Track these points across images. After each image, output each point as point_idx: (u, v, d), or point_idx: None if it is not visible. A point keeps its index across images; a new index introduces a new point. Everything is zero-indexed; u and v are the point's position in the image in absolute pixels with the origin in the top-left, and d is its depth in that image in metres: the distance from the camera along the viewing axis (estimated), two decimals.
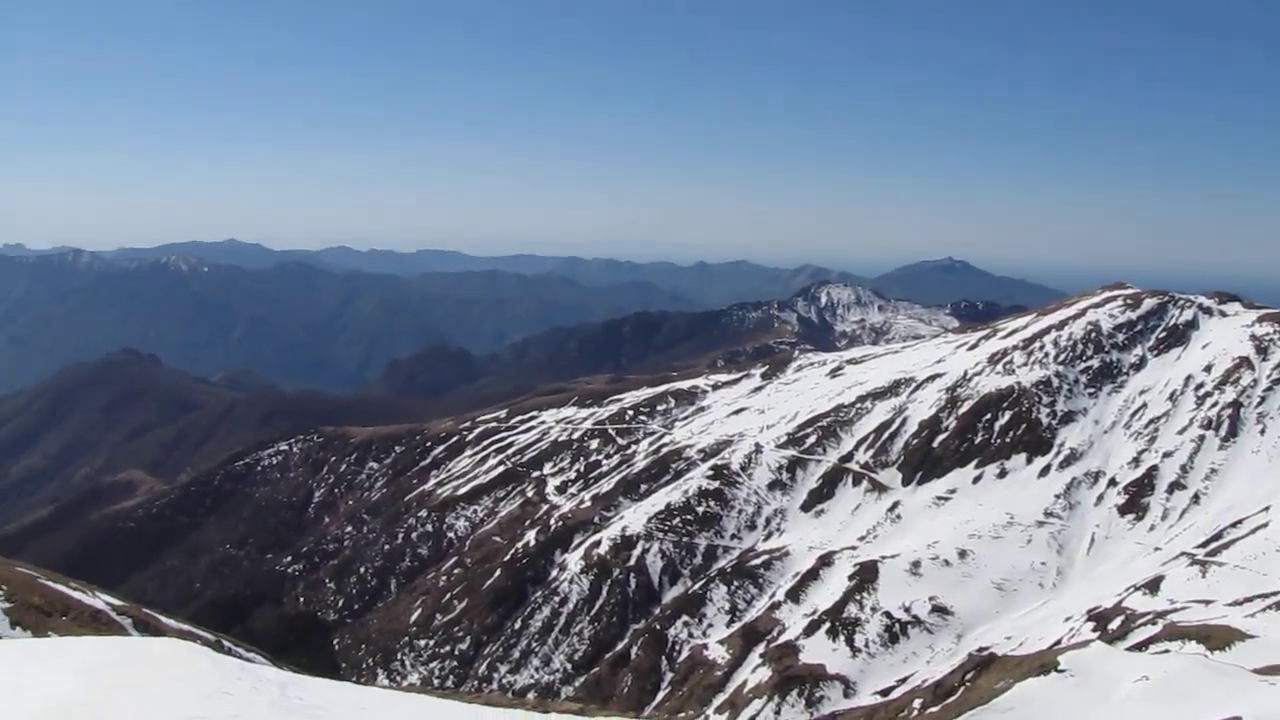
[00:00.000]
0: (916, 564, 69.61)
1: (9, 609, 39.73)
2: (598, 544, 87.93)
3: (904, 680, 58.34)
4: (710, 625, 73.08)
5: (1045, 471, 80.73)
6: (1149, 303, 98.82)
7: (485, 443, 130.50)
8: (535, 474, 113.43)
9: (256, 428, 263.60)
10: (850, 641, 63.29)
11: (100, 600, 47.79)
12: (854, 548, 76.96)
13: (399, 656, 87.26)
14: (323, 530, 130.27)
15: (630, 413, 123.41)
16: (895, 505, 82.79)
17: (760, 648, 66.97)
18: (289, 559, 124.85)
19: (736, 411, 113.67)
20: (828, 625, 64.92)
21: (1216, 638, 37.15)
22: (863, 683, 59.97)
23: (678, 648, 71.71)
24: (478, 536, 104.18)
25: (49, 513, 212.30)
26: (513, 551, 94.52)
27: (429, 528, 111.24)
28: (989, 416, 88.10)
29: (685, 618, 74.45)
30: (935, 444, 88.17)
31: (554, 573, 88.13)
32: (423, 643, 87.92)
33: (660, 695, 68.24)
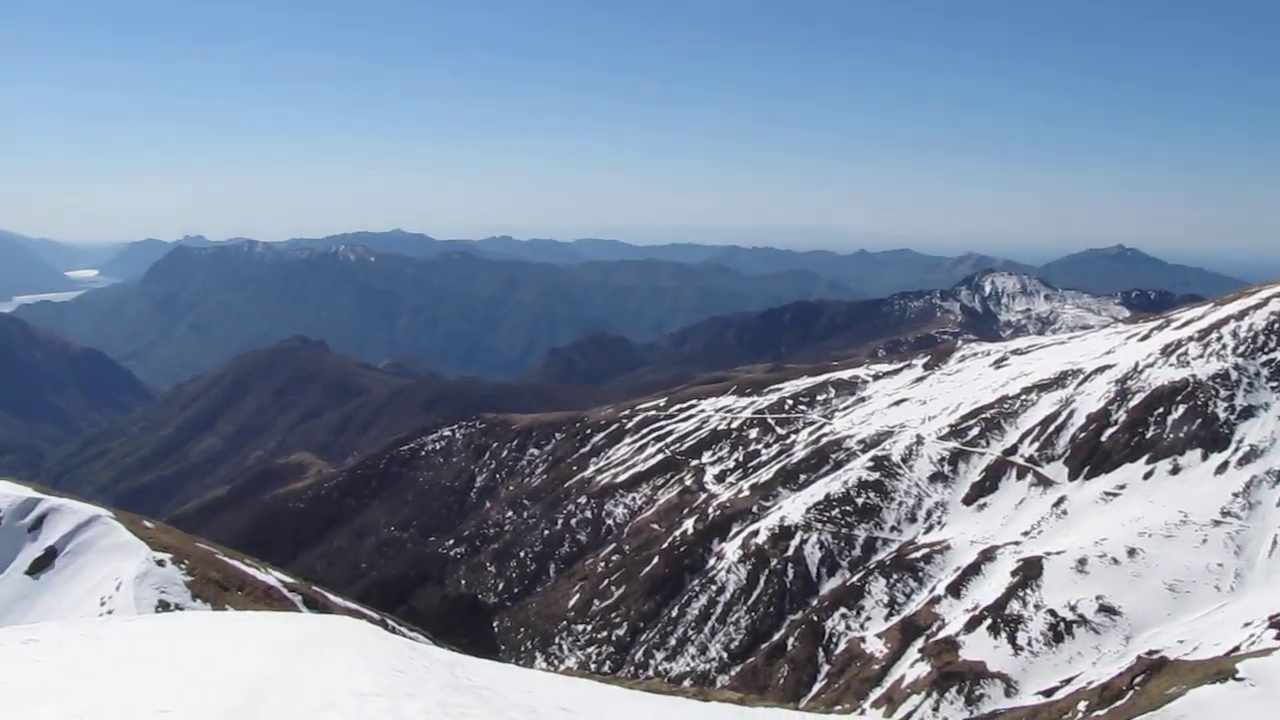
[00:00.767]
0: (1083, 561, 67.58)
1: (190, 582, 41.67)
2: (756, 533, 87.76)
3: (1068, 681, 56.80)
4: (868, 618, 72.27)
5: (1222, 469, 77.33)
6: None
7: (644, 431, 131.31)
8: (694, 462, 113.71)
9: (420, 413, 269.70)
10: (1012, 639, 61.86)
11: (272, 577, 49.77)
12: (1017, 543, 75.11)
13: (557, 640, 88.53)
14: (484, 514, 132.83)
15: (789, 402, 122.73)
16: (1061, 500, 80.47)
17: (919, 642, 65.95)
18: (451, 542, 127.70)
19: (897, 402, 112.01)
20: (989, 622, 63.56)
21: None
22: (1025, 682, 58.56)
23: (835, 640, 71.12)
24: (636, 524, 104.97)
25: (225, 492, 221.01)
26: (671, 539, 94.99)
27: (588, 514, 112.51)
28: (1161, 410, 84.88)
29: (843, 610, 73.78)
30: (1104, 438, 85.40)
31: (711, 561, 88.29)
32: (580, 628, 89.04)
33: (816, 687, 67.81)
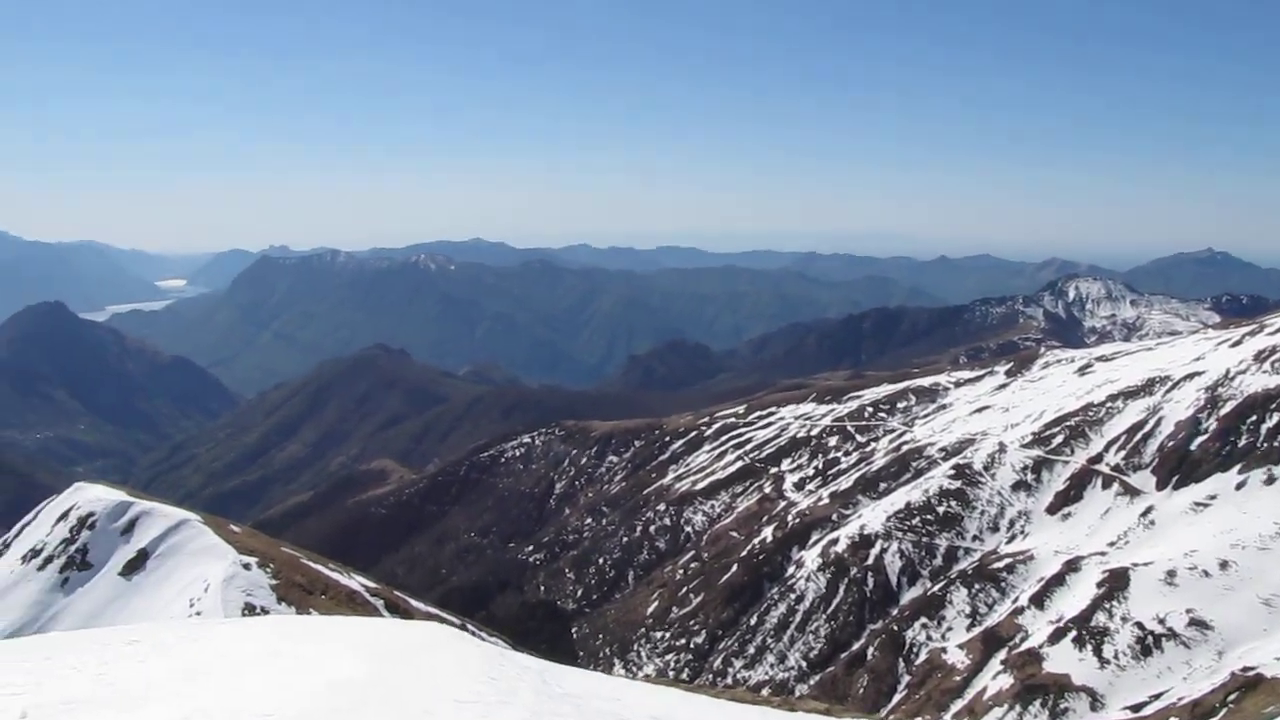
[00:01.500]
0: (1172, 573, 66.03)
1: (275, 586, 42.30)
2: (835, 542, 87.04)
3: (1157, 696, 55.50)
4: (949, 628, 71.28)
5: None
6: None
7: (723, 438, 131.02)
8: (773, 470, 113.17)
9: (500, 420, 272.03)
10: (1098, 652, 60.60)
11: (355, 581, 50.32)
12: (1103, 554, 73.61)
13: (635, 648, 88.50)
14: (563, 521, 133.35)
15: (869, 410, 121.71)
16: (1148, 510, 78.74)
17: (1001, 654, 64.89)
18: (530, 548, 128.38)
19: (979, 409, 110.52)
20: (1074, 634, 62.34)
21: None
22: (1111, 696, 57.32)
23: (915, 650, 70.23)
24: (715, 531, 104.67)
25: (308, 498, 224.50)
26: (750, 547, 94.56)
27: (667, 521, 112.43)
28: (1255, 418, 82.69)
29: (923, 619, 72.85)
30: (1193, 446, 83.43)
31: (791, 569, 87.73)
32: (659, 635, 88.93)
33: (896, 698, 67.03)
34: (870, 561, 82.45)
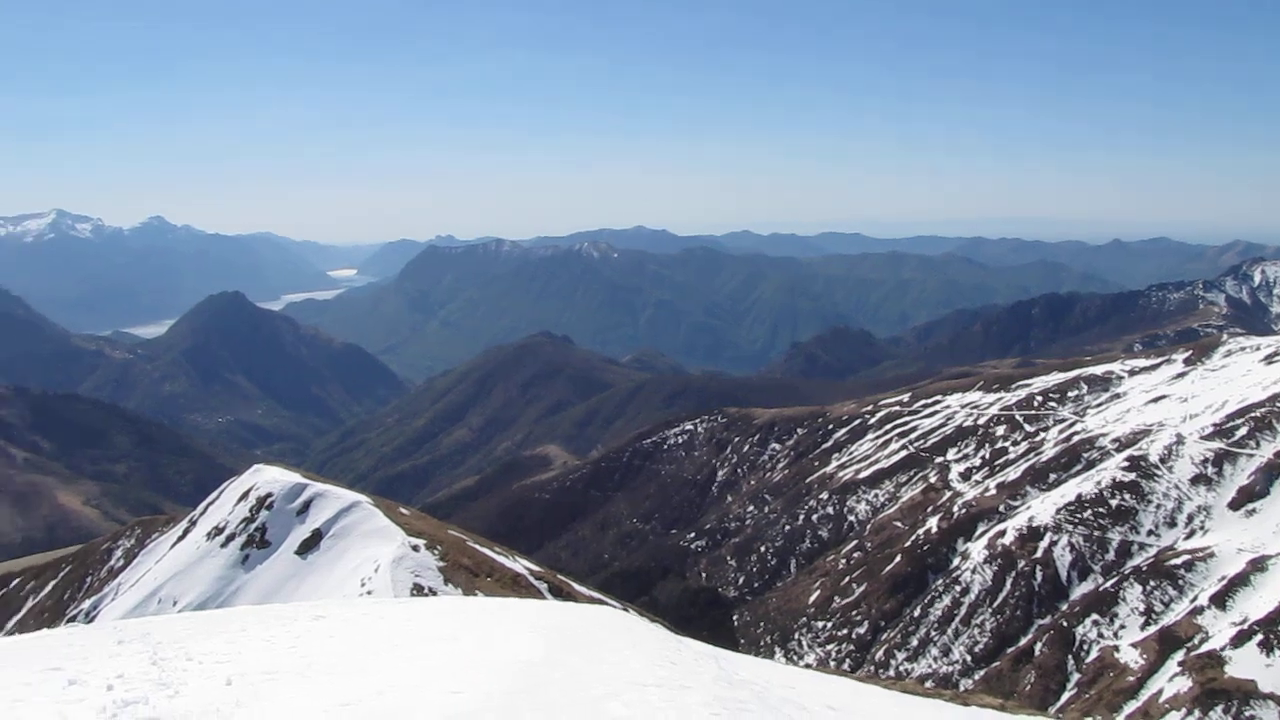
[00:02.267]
0: None
1: (442, 567, 43.19)
2: (1002, 534, 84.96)
3: None
4: (1122, 626, 68.82)
5: None
6: None
7: (887, 427, 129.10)
8: (938, 459, 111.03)
9: (663, 407, 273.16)
10: None
11: (519, 564, 51.03)
12: None
13: (796, 636, 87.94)
14: (725, 508, 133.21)
15: (1039, 398, 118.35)
16: None
17: (1179, 655, 62.37)
18: (692, 535, 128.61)
19: (1155, 399, 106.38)
20: (1260, 637, 59.50)
21: None
22: None
23: (1085, 647, 68.03)
24: (878, 521, 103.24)
25: (474, 482, 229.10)
26: (914, 537, 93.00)
27: (829, 510, 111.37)
28: None
29: (1095, 616, 70.50)
30: None
31: (955, 561, 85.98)
32: (820, 624, 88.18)
33: (1065, 696, 65.05)
34: (1039, 555, 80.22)
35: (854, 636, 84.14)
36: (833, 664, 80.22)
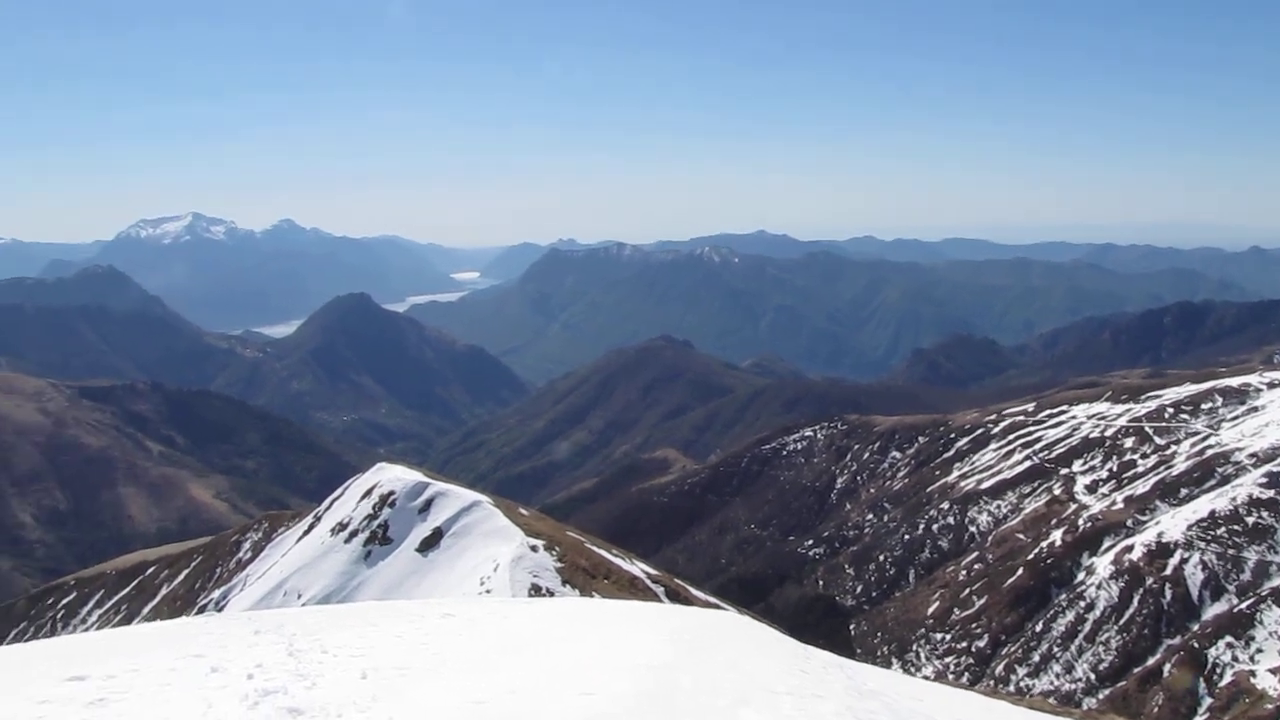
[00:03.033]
0: None
1: (560, 568, 43.44)
2: (1129, 549, 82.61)
3: None
4: (1259, 650, 66.32)
5: None
6: None
7: (1011, 436, 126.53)
8: (1063, 471, 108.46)
9: (782, 413, 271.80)
10: None
11: (636, 567, 51.13)
12: None
13: (914, 648, 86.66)
14: (843, 516, 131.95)
15: (1170, 410, 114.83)
16: None
17: None
18: (810, 542, 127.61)
19: None
20: None
21: None
22: None
23: (1219, 671, 65.72)
24: (1000, 532, 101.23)
25: (593, 484, 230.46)
26: (1037, 550, 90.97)
27: (950, 520, 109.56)
28: None
29: (1228, 639, 68.06)
30: None
31: (1080, 576, 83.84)
32: (939, 636, 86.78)
33: None
34: (1168, 572, 77.81)
35: (973, 650, 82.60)
36: (951, 677, 78.87)
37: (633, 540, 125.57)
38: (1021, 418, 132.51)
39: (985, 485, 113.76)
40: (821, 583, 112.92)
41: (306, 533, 62.16)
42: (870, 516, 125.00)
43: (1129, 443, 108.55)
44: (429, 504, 53.11)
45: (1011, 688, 73.26)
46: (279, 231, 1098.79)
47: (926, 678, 74.28)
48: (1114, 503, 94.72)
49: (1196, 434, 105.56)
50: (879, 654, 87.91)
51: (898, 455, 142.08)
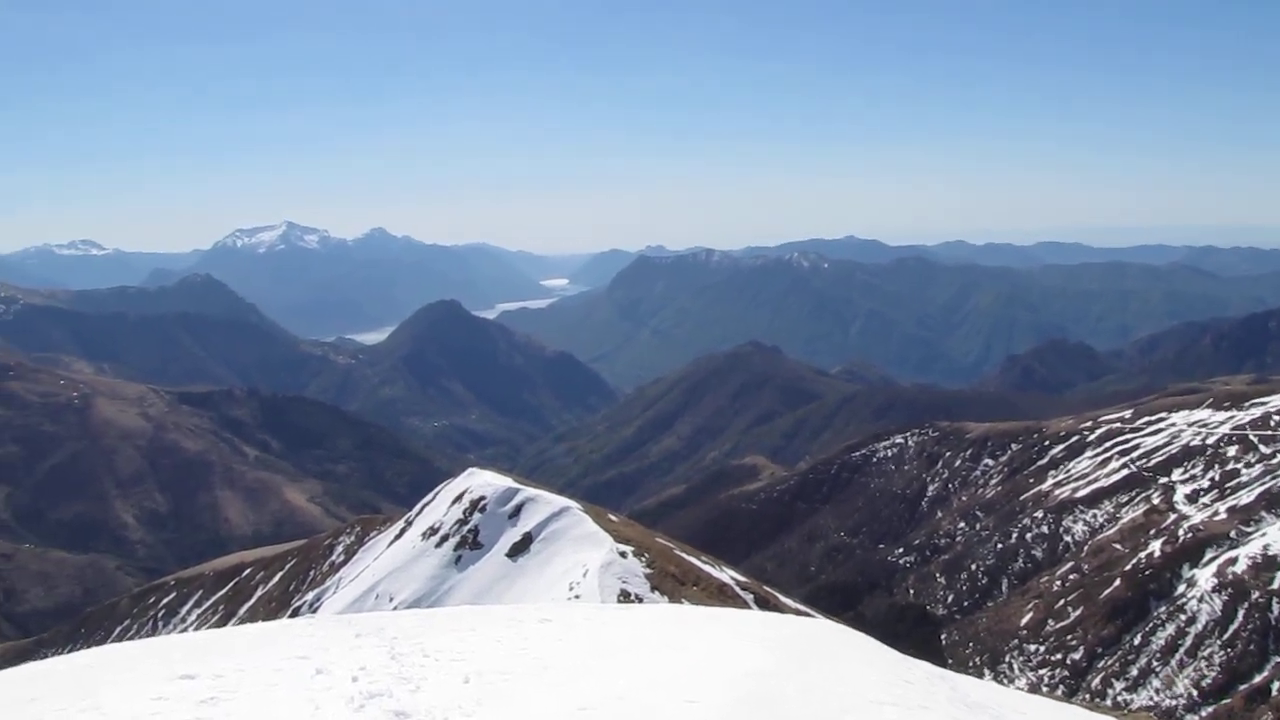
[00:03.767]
0: None
1: (649, 574, 43.22)
2: (1233, 561, 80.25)
3: None
4: None
5: None
6: None
7: (1107, 444, 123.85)
8: (1162, 480, 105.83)
9: (872, 419, 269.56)
10: None
11: (725, 574, 50.81)
12: None
13: (1007, 659, 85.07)
14: (935, 524, 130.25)
15: (1276, 418, 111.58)
16: None
17: None
18: (900, 550, 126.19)
19: None
20: None
21: None
22: None
23: None
24: (1096, 542, 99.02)
25: (681, 490, 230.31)
26: (1134, 561, 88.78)
27: (1044, 529, 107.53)
28: None
29: None
30: None
31: (1180, 588, 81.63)
32: (1032, 647, 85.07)
33: None
34: (1275, 586, 75.45)
35: (1068, 662, 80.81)
36: (1045, 689, 77.20)
37: (721, 547, 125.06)
38: (1118, 425, 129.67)
39: (1081, 494, 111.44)
40: (912, 591, 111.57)
41: (398, 537, 62.73)
42: (962, 525, 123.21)
43: (1232, 451, 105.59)
44: (519, 509, 53.25)
45: (1109, 702, 71.54)
46: (371, 240, 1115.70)
47: (1020, 689, 72.90)
48: (1216, 513, 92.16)
49: None
50: (971, 664, 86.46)
51: (990, 463, 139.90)
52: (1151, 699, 71.40)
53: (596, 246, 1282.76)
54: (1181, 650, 74.28)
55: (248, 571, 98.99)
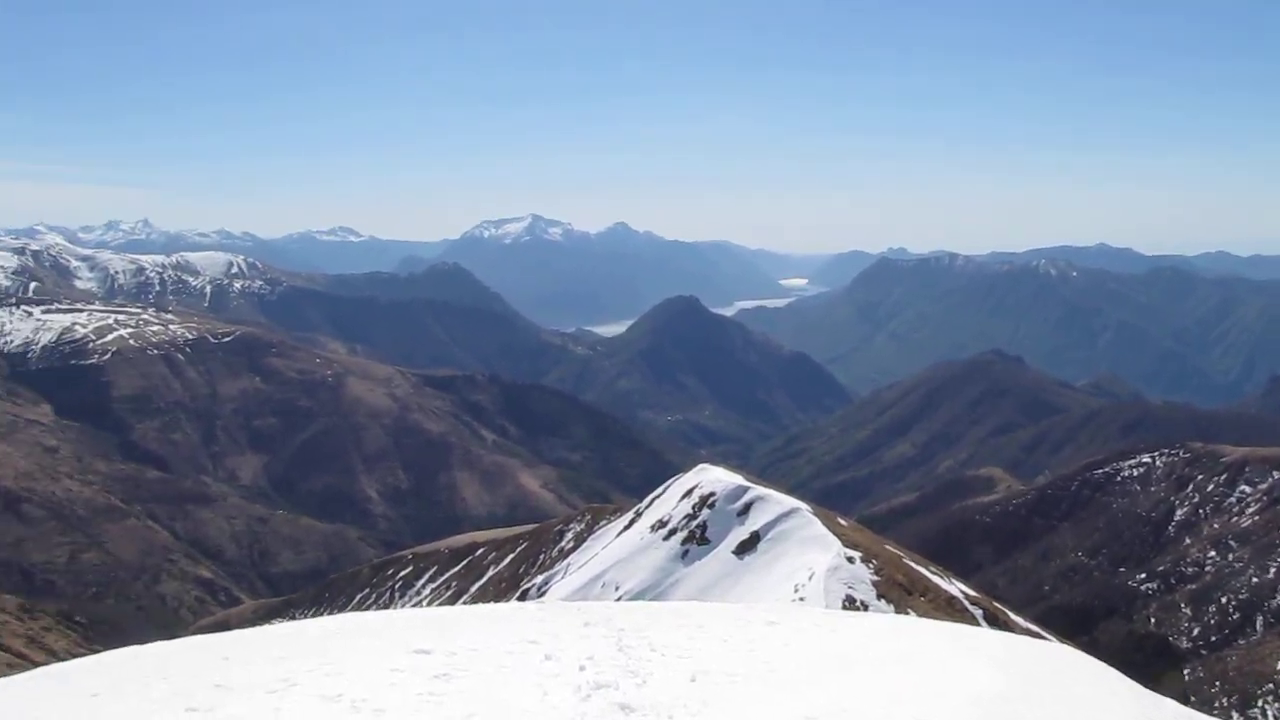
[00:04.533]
0: None
1: (876, 582, 42.40)
2: None
3: None
4: None
5: None
6: None
7: None
8: None
9: (1118, 437, 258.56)
10: None
11: (955, 587, 49.37)
12: None
13: (1259, 704, 79.93)
14: (1181, 551, 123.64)
15: None
16: None
17: None
18: (1142, 575, 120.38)
19: None
20: None
21: None
22: None
23: None
24: None
25: (913, 498, 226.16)
26: None
27: None
28: None
29: None
30: None
31: None
32: None
33: None
34: None
35: None
36: None
37: (951, 558, 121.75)
38: None
39: None
40: (1153, 620, 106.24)
41: (627, 527, 63.48)
42: (1213, 554, 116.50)
43: None
44: (748, 508, 53.08)
45: None
46: (613, 234, 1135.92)
47: None
48: None
49: None
50: (1216, 705, 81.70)
51: (1248, 490, 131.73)
52: None
53: (838, 247, 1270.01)
54: None
55: (480, 551, 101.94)
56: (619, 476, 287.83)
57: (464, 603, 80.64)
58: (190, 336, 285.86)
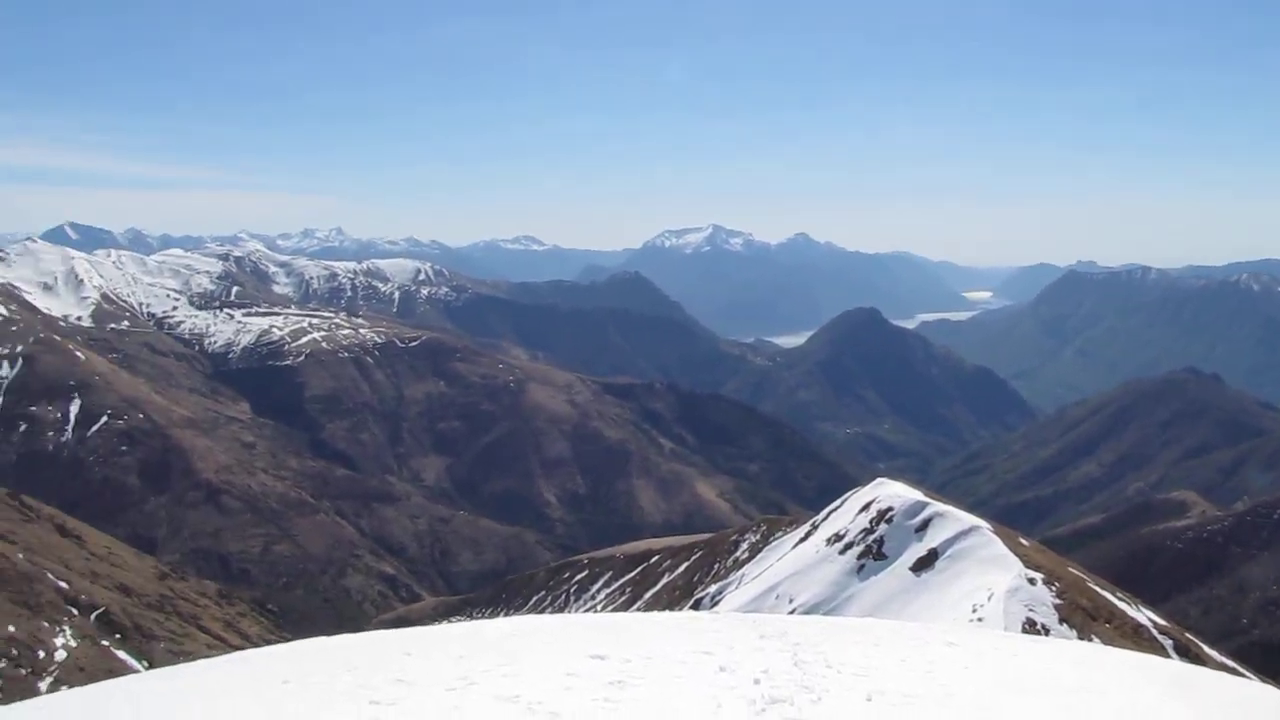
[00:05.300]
0: None
1: (1058, 605, 40.96)
2: None
3: None
4: None
5: None
6: None
7: None
8: None
9: None
10: None
11: (1143, 614, 47.33)
12: None
13: None
14: None
15: None
16: None
17: None
18: None
19: None
20: None
21: None
22: None
23: None
24: None
25: (1099, 520, 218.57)
26: None
27: None
28: None
29: None
30: None
31: None
32: None
33: None
34: None
35: None
36: None
37: (1139, 585, 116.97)
38: None
39: None
40: None
41: (802, 540, 62.84)
42: None
43: None
44: (926, 524, 51.97)
45: None
46: (793, 245, 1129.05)
47: None
48: None
49: None
50: None
51: None
52: None
53: (1024, 259, 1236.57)
54: None
55: (655, 558, 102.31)
56: (795, 488, 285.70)
57: (637, 609, 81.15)
58: (379, 340, 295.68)
